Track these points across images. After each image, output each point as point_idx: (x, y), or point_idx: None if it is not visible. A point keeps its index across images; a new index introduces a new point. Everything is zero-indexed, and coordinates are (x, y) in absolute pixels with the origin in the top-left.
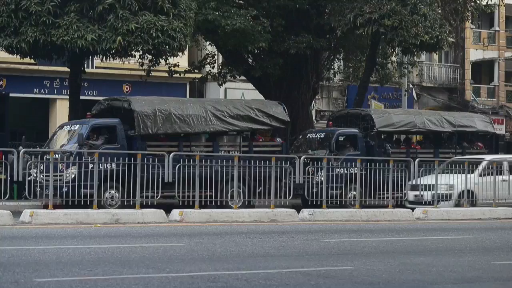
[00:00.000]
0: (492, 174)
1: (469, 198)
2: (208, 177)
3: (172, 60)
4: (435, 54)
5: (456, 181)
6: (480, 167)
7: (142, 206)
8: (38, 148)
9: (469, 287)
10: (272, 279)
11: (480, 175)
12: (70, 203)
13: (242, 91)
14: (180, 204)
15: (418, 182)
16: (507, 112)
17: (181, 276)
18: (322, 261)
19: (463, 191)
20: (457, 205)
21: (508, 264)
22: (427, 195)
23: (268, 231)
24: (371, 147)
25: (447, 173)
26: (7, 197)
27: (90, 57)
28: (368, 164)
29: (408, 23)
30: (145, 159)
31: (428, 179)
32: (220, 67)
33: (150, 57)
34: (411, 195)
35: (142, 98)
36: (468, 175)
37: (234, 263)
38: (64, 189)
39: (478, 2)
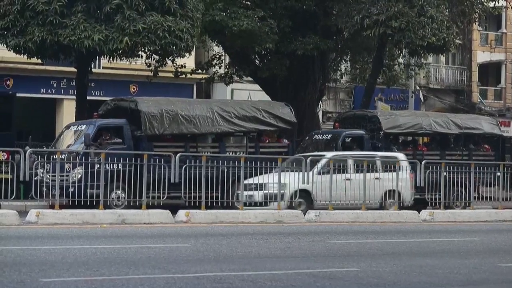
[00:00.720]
0: (333, 172)
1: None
2: (215, 178)
3: (179, 61)
4: (442, 56)
5: (289, 180)
6: (319, 164)
7: (148, 207)
8: (44, 148)
9: None
10: (278, 280)
11: (319, 174)
12: (76, 203)
13: (248, 92)
14: (186, 204)
15: (250, 181)
16: None
17: (187, 276)
18: (328, 262)
19: (297, 191)
20: (290, 206)
21: None
22: (258, 195)
23: (274, 232)
24: (377, 149)
25: (286, 171)
26: (13, 197)
27: (97, 57)
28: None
29: (415, 25)
30: (152, 159)
31: (261, 178)
32: (227, 68)
33: (157, 57)
34: (240, 195)
35: (149, 99)
36: (305, 174)
37: (240, 264)
38: (71, 189)
39: (485, 4)
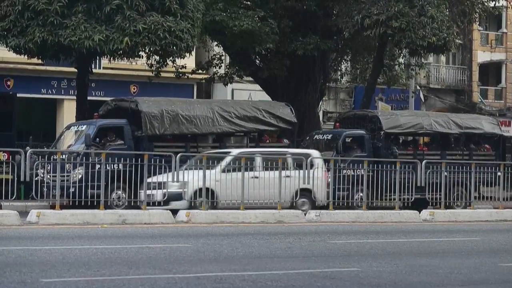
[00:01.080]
0: (239, 170)
1: (208, 198)
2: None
3: (179, 61)
4: (442, 55)
5: (191, 178)
6: (224, 162)
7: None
8: (45, 148)
9: None
10: (278, 280)
11: (224, 171)
12: (77, 204)
13: (249, 92)
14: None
15: (150, 180)
16: None
17: (188, 277)
18: (329, 262)
19: (200, 189)
20: (193, 206)
21: None
22: (158, 194)
23: (275, 232)
24: (378, 149)
25: (192, 169)
26: (14, 197)
27: (97, 58)
28: (375, 165)
29: (416, 25)
30: (152, 159)
31: (161, 177)
32: (227, 68)
33: (157, 58)
34: (144, 194)
35: (149, 99)
36: (208, 171)
37: (240, 264)
38: (71, 190)
39: (485, 4)
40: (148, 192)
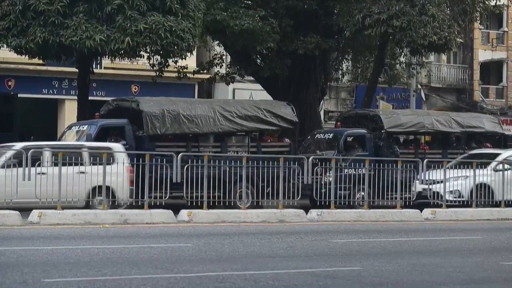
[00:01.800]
0: (21, 166)
1: None
2: (217, 177)
3: (181, 62)
4: (443, 54)
5: None
6: (3, 157)
7: (151, 207)
8: None
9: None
10: (280, 280)
11: (3, 167)
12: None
13: (250, 92)
14: (189, 204)
15: None
16: None
17: (189, 276)
18: (330, 261)
19: None
20: None
21: None
22: None
23: (276, 231)
24: (379, 148)
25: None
26: (16, 197)
27: (98, 58)
28: (377, 164)
29: (417, 24)
30: (154, 159)
31: None
32: (228, 67)
33: (159, 58)
34: None
35: (151, 99)
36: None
37: (242, 263)
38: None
39: (486, 2)
40: None
